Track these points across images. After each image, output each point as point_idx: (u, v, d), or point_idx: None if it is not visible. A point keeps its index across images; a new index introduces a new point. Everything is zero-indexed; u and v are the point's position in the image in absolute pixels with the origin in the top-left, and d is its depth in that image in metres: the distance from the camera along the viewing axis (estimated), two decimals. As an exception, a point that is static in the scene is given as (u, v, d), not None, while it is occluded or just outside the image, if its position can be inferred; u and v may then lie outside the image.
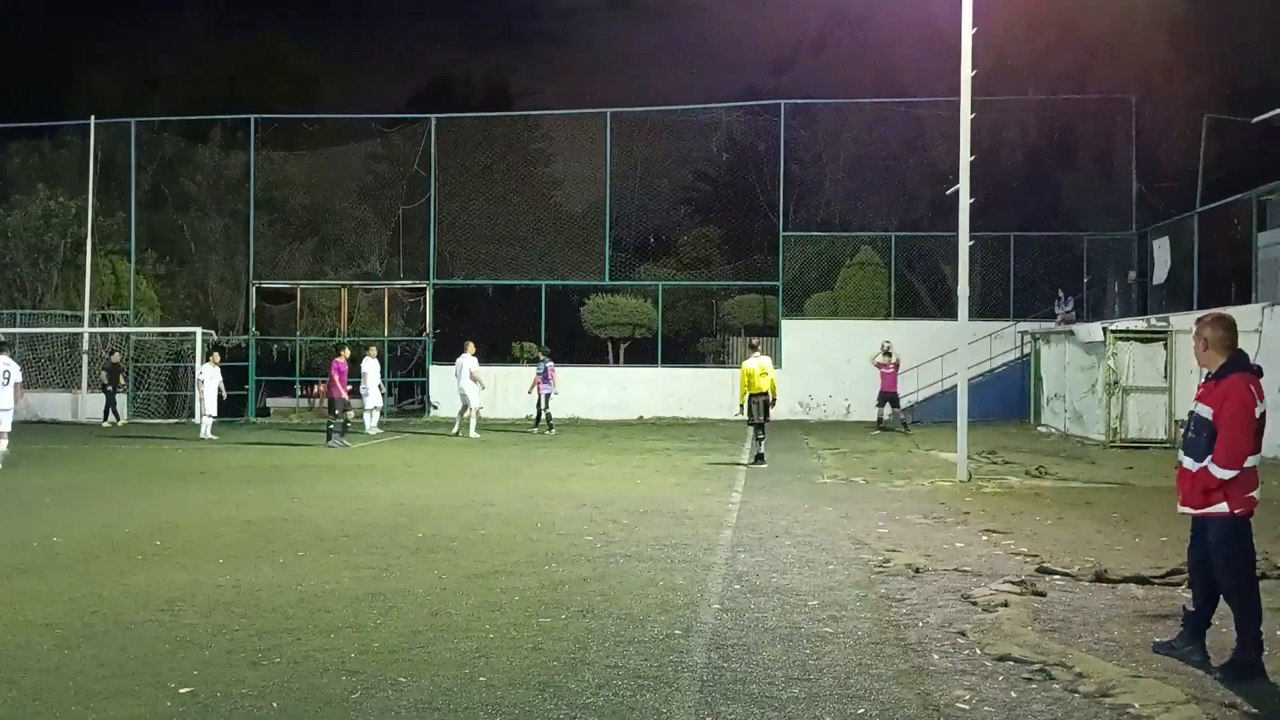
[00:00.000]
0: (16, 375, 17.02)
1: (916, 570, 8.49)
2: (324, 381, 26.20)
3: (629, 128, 32.22)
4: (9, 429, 16.94)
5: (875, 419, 25.33)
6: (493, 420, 26.61)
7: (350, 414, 21.88)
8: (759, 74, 48.97)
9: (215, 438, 22.79)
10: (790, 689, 5.46)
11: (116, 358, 29.18)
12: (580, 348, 36.67)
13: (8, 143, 35.87)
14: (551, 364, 25.33)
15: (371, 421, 24.43)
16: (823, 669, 5.83)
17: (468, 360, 23.45)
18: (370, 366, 24.19)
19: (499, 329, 34.78)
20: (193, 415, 28.94)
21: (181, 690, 5.37)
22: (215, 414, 23.73)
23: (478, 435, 23.06)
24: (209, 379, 23.58)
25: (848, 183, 34.49)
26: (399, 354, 33.75)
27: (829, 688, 5.50)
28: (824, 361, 28.94)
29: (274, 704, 5.19)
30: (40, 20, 64.29)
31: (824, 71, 39.72)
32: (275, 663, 5.89)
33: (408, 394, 33.86)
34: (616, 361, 37.29)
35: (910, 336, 28.96)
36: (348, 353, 22.25)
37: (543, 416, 24.72)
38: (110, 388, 28.54)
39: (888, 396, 25.11)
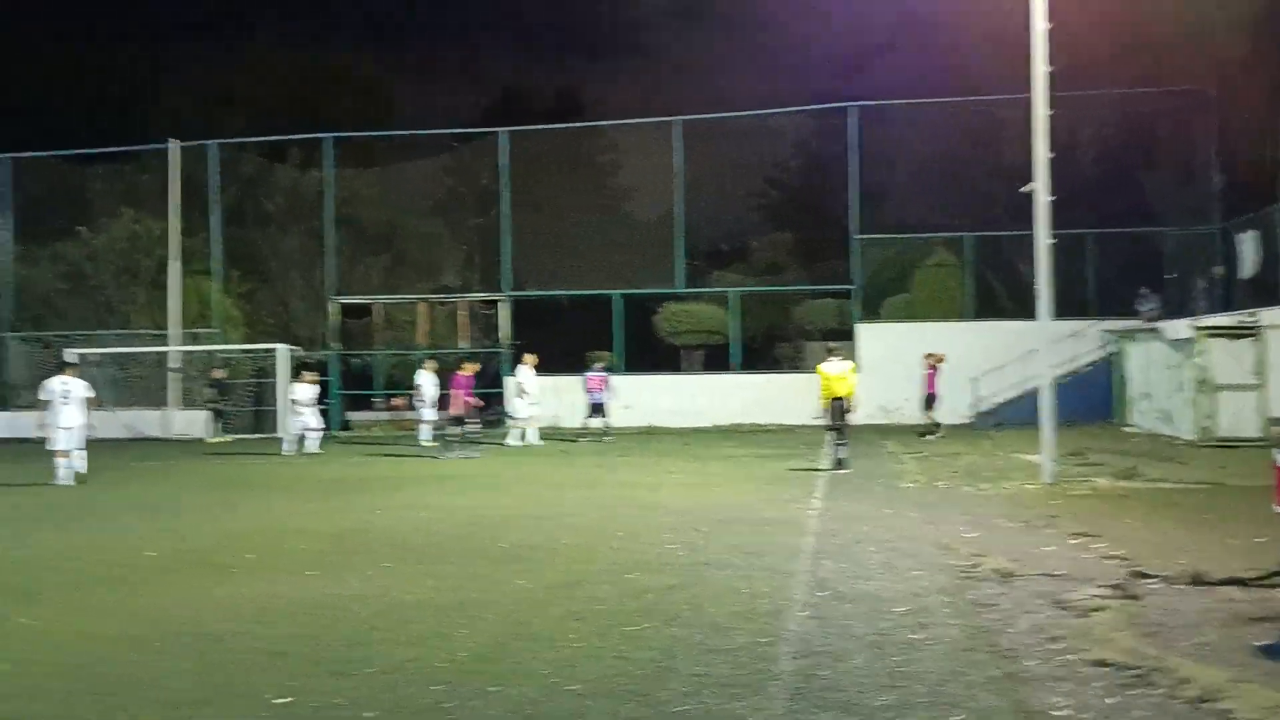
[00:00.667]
0: (80, 393, 17.24)
1: (1005, 575, 8.34)
2: (403, 395, 26.59)
3: (699, 135, 32.18)
4: (78, 446, 17.17)
5: (929, 423, 24.75)
6: (567, 430, 26.70)
7: (470, 427, 22.27)
8: (828, 78, 48.69)
9: (321, 451, 23.18)
10: (881, 697, 5.39)
11: (219, 373, 29.82)
12: (655, 356, 36.67)
13: (92, 166, 36.94)
14: (600, 371, 25.35)
15: (425, 434, 24.55)
16: (913, 676, 5.74)
17: (524, 372, 23.85)
18: (425, 379, 24.38)
19: (574, 339, 34.87)
20: (277, 430, 29.54)
21: (276, 701, 5.45)
22: (320, 426, 24.01)
23: (523, 444, 23.48)
24: (301, 395, 23.77)
25: (921, 184, 34.06)
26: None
27: (921, 695, 5.41)
28: (902, 365, 28.51)
29: (366, 714, 5.25)
30: (118, 44, 66.25)
31: (894, 73, 39.42)
32: (366, 673, 5.96)
33: (485, 405, 34.10)
34: (692, 369, 37.25)
35: (989, 338, 28.58)
36: (476, 367, 22.61)
37: (593, 423, 24.94)
38: (214, 404, 29.27)
39: (930, 398, 24.77)
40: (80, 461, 17.25)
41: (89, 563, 9.67)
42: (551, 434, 26.93)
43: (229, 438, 28.62)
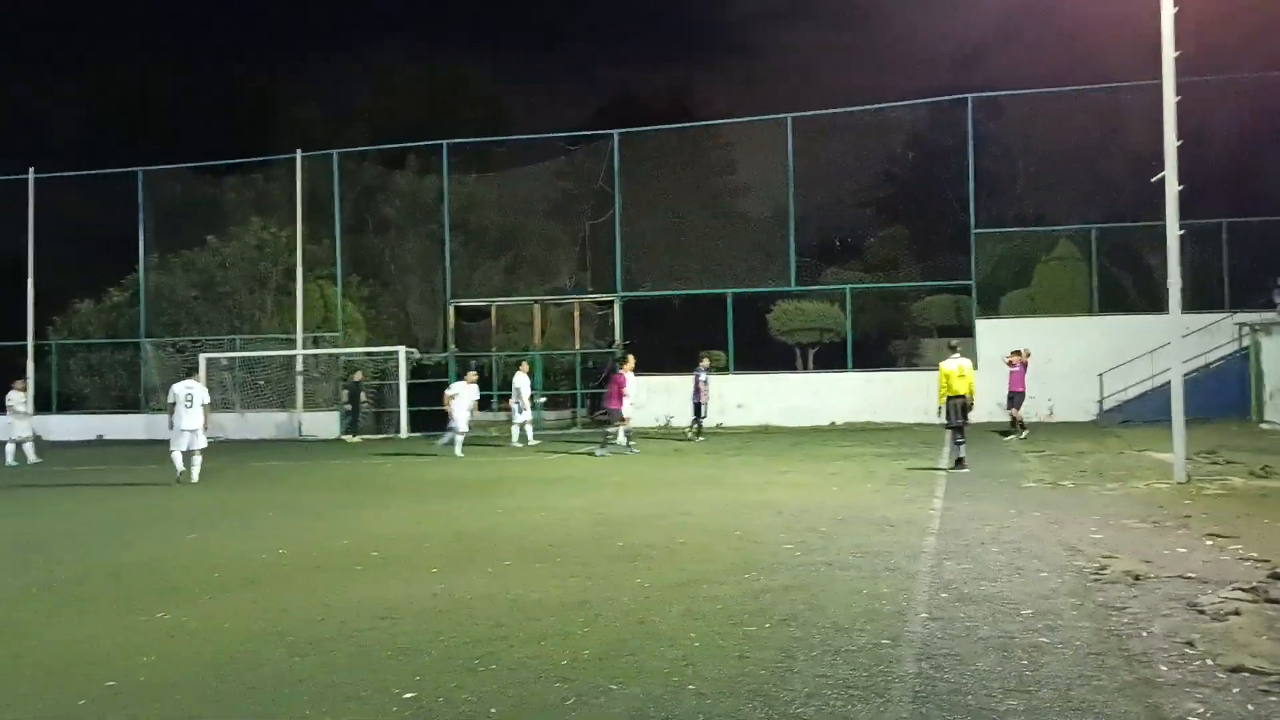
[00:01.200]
0: (202, 398, 18.26)
1: (1136, 577, 8.09)
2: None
3: (811, 131, 31.93)
4: (203, 446, 18.20)
5: (1014, 422, 23.66)
6: (677, 429, 26.74)
7: (621, 425, 22.48)
8: (943, 71, 47.82)
9: (461, 455, 23.02)
10: (1008, 701, 5.29)
11: (359, 376, 30.66)
12: (768, 354, 36.51)
13: (224, 178, 38.37)
14: (703, 373, 25.52)
15: (517, 436, 24.86)
16: (1041, 681, 5.61)
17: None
18: (521, 381, 24.65)
19: (686, 339, 34.93)
20: (397, 430, 30.27)
21: (405, 696, 5.60)
22: (466, 430, 23.86)
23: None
24: (464, 395, 23.80)
25: (1042, 176, 33.22)
26: (590, 366, 34.32)
27: (1050, 700, 5.30)
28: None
29: (491, 709, 5.35)
30: (247, 61, 68.58)
31: (1012, 64, 38.59)
32: (491, 669, 6.07)
33: (598, 405, 34.38)
34: (805, 367, 36.97)
35: (1114, 333, 27.81)
36: (630, 362, 22.94)
37: (697, 423, 25.26)
38: (350, 405, 30.14)
39: (1015, 396, 23.80)
40: (195, 465, 18.09)
41: (225, 562, 10.03)
42: (666, 434, 27.07)
43: (357, 438, 29.41)
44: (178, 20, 74.22)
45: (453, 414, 23.40)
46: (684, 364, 27.67)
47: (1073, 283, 30.32)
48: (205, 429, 18.38)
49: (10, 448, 24.09)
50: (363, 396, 30.41)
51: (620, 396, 22.05)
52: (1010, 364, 23.96)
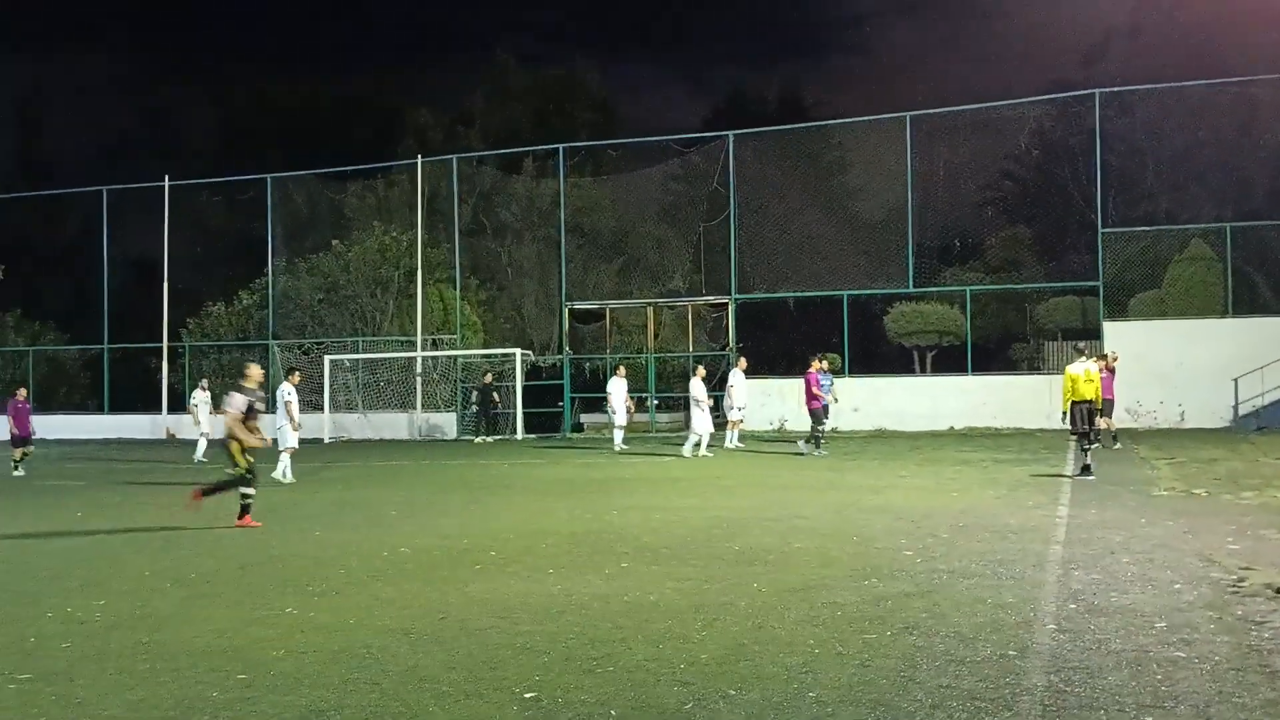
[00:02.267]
0: (284, 397, 18.44)
1: (1277, 590, 7.74)
2: (635, 397, 27.10)
3: (930, 130, 31.37)
4: (293, 445, 18.55)
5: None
6: (793, 432, 26.53)
7: (823, 426, 22.24)
8: (1067, 67, 46.50)
9: (626, 447, 24.47)
10: (1143, 717, 5.10)
11: (489, 379, 31.13)
12: (885, 357, 36.02)
13: (348, 184, 39.43)
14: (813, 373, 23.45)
15: (618, 439, 24.88)
16: (1178, 696, 5.40)
17: (735, 376, 23.91)
18: (616, 386, 24.72)
19: (801, 341, 34.67)
20: (513, 432, 30.70)
21: (526, 695, 5.65)
22: (624, 424, 25.01)
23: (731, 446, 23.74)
24: (617, 391, 24.67)
25: (1172, 173, 32.14)
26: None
27: (1186, 717, 5.09)
28: (1153, 365, 26.95)
29: (611, 711, 5.37)
30: (370, 70, 70.30)
31: (1139, 58, 37.32)
32: (609, 671, 6.10)
33: (714, 407, 34.29)
34: (923, 370, 36.36)
35: (1250, 335, 26.71)
36: (822, 364, 22.62)
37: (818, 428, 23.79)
38: (479, 407, 30.60)
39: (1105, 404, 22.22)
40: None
41: (350, 558, 10.28)
42: (780, 436, 26.90)
43: (491, 439, 29.89)
44: (296, 32, 76.49)
45: (612, 408, 24.48)
46: (797, 367, 27.41)
47: (1205, 283, 29.21)
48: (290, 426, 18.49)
49: (202, 443, 24.39)
50: (495, 397, 30.82)
51: (814, 396, 21.83)
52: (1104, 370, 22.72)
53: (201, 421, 24.61)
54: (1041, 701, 5.35)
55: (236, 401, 12.87)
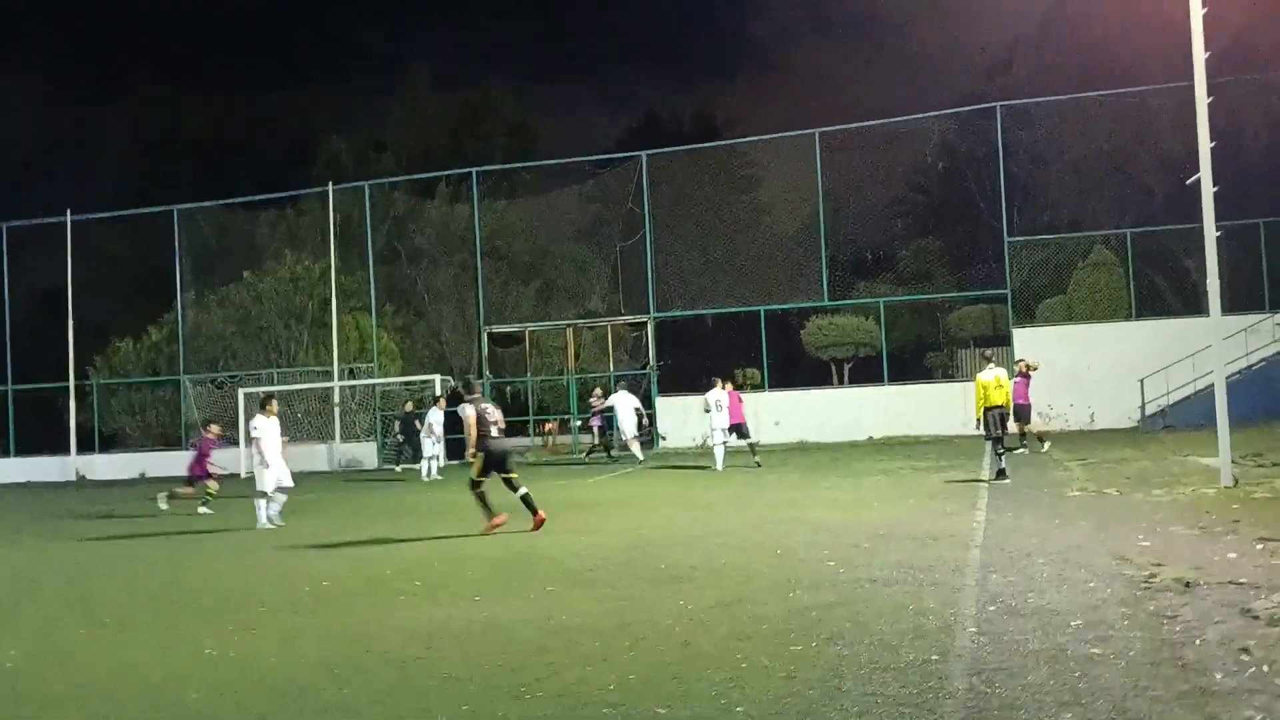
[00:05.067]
0: (254, 433, 16.28)
1: (1187, 584, 7.96)
2: (553, 420, 27.13)
3: (839, 145, 31.87)
4: (270, 486, 16.30)
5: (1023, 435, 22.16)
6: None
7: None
8: (971, 80, 47.60)
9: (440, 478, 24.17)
10: (1062, 714, 5.19)
11: (409, 407, 30.54)
12: (803, 370, 36.42)
13: (257, 213, 38.80)
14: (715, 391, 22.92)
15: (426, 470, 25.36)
16: (1095, 692, 5.51)
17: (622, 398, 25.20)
18: (434, 416, 25.55)
19: (721, 357, 34.92)
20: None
21: (453, 724, 5.58)
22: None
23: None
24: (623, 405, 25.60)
25: (1074, 182, 33.07)
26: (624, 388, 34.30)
27: (1104, 712, 5.20)
28: (1061, 369, 27.63)
29: (540, 736, 5.32)
30: (279, 94, 69.44)
31: (1042, 71, 38.33)
32: (537, 696, 6.04)
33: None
34: (841, 382, 36.82)
35: (1154, 337, 27.52)
36: (726, 386, 22.61)
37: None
38: (403, 436, 29.66)
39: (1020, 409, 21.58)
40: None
41: (272, 590, 10.07)
42: (702, 453, 26.98)
43: (415, 467, 29.42)
44: (204, 54, 75.28)
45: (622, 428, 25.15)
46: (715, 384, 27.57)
47: (1110, 288, 30.08)
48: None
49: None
50: (417, 424, 30.38)
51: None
52: (1018, 375, 22.60)
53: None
54: (964, 704, 5.42)
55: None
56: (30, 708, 6.45)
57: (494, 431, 13.73)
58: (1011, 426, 20.18)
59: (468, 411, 13.62)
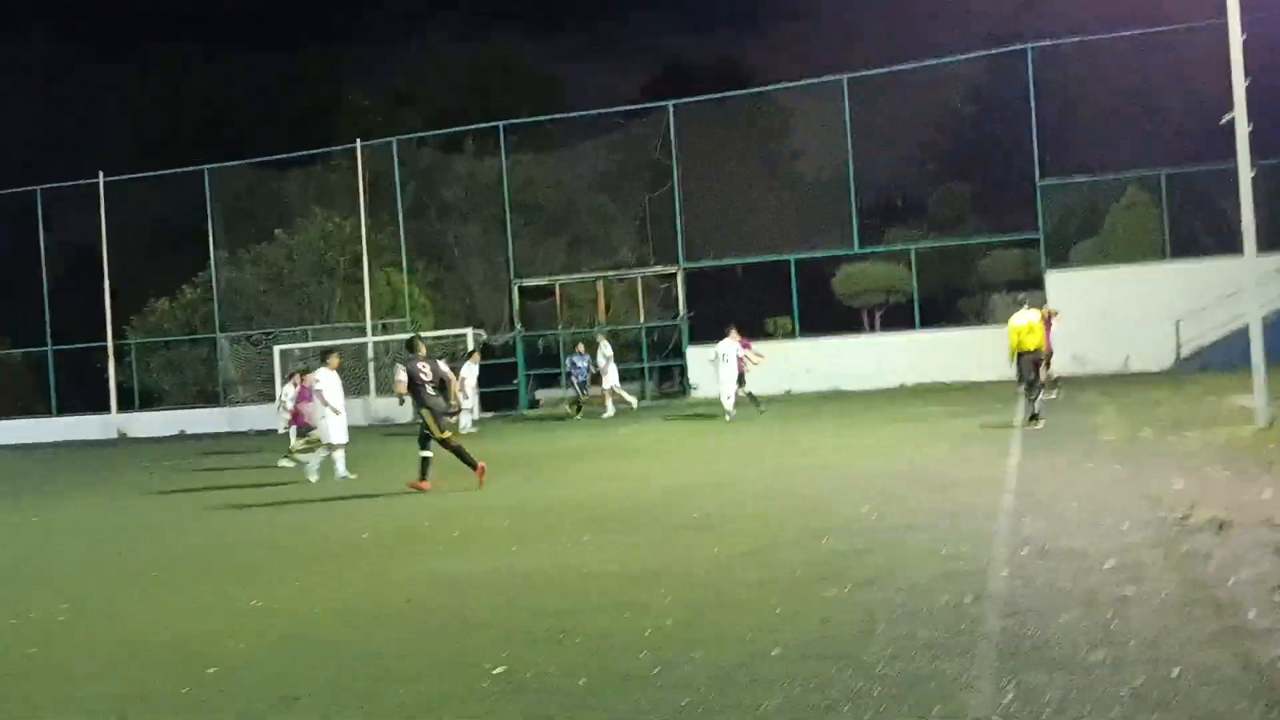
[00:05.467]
0: (315, 385, 16.24)
1: (1221, 525, 7.96)
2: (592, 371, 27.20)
3: (867, 91, 31.48)
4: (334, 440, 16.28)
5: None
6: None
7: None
8: (1000, 20, 46.72)
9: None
10: (1095, 653, 5.25)
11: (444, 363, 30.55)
12: (834, 318, 36.27)
13: (287, 171, 38.91)
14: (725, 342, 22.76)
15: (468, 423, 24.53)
16: (1128, 633, 5.57)
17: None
18: (468, 371, 24.95)
19: (752, 306, 34.85)
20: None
21: (494, 671, 5.71)
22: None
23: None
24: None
25: (1107, 122, 32.49)
26: (655, 339, 34.36)
27: (1136, 651, 5.25)
28: (1096, 312, 27.39)
29: (580, 681, 5.44)
30: (303, 52, 69.35)
31: (1071, 6, 37.57)
32: (575, 641, 6.16)
33: (667, 377, 34.44)
34: (872, 329, 36.69)
35: (1190, 278, 27.22)
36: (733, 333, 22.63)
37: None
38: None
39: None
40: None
41: (310, 542, 10.27)
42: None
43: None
44: (225, 17, 75.09)
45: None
46: (748, 331, 27.53)
47: (1144, 229, 29.70)
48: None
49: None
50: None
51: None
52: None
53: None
54: (997, 645, 5.49)
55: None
56: (80, 658, 6.65)
57: (430, 390, 13.89)
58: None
59: (399, 374, 13.85)
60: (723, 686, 5.20)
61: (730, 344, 22.45)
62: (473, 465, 13.68)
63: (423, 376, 13.85)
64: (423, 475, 13.87)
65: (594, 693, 5.28)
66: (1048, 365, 21.78)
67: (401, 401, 14.51)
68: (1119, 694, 4.70)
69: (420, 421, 14.05)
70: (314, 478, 16.37)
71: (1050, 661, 5.18)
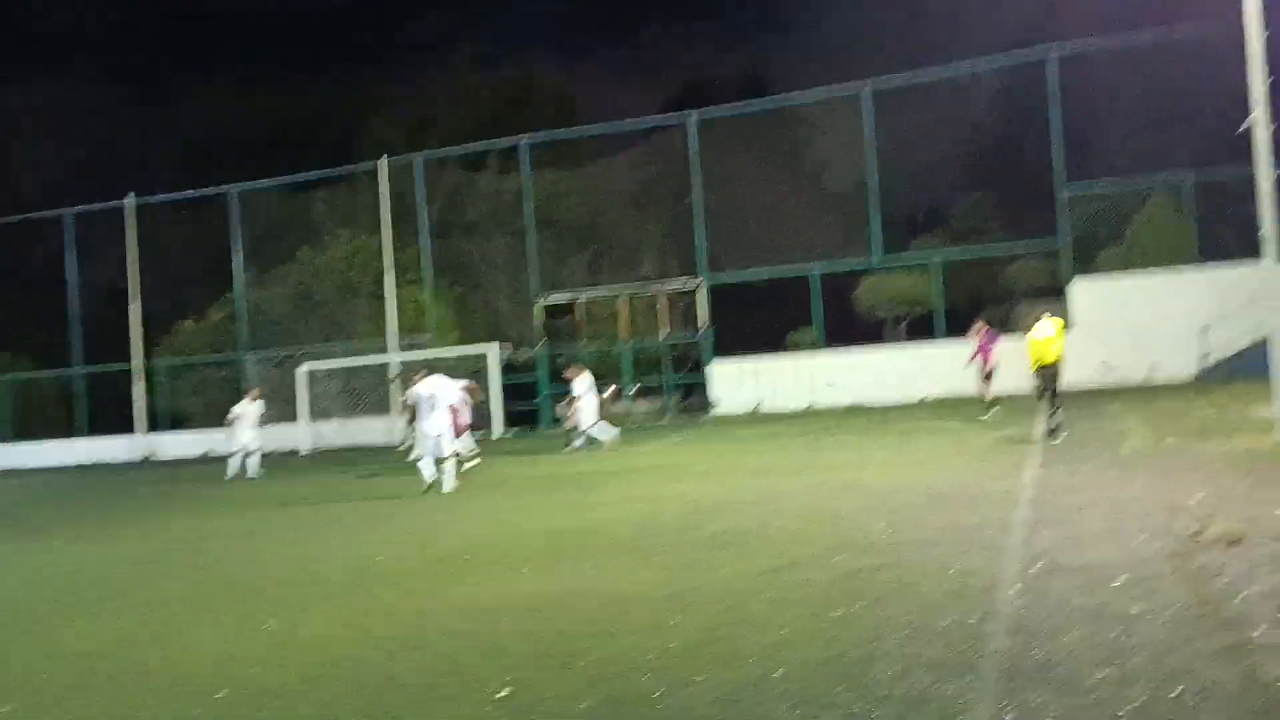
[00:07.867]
0: (448, 398, 16.63)
1: (1235, 539, 7.90)
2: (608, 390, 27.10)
3: (889, 99, 31.44)
4: (451, 452, 16.61)
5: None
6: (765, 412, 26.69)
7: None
8: (1021, 26, 46.52)
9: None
10: (1099, 671, 5.24)
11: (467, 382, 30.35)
12: (857, 330, 36.19)
13: (312, 191, 39.30)
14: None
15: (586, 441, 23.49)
16: (1134, 649, 5.55)
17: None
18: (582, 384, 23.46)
19: (774, 319, 34.84)
20: (488, 428, 30.66)
21: (498, 695, 5.74)
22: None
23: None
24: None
25: (1131, 127, 32.28)
26: (678, 354, 34.33)
27: (1141, 667, 5.23)
28: (1122, 320, 27.20)
29: (581, 705, 5.47)
30: (327, 76, 70.05)
31: (1093, 9, 37.37)
32: (582, 665, 6.19)
33: (690, 392, 34.42)
34: (896, 341, 36.56)
35: (1216, 284, 26.96)
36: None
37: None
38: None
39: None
40: (446, 473, 16.50)
41: (326, 570, 10.34)
42: (754, 418, 27.03)
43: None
44: (254, 43, 76.01)
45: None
46: (771, 345, 27.58)
47: (1170, 236, 29.47)
48: (457, 433, 17.29)
49: (234, 461, 23.42)
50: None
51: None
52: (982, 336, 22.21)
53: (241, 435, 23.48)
54: (1000, 665, 5.48)
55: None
56: (106, 689, 6.76)
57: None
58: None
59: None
60: (725, 709, 5.21)
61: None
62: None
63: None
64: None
65: (595, 716, 5.30)
66: (988, 380, 21.58)
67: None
68: (1119, 713, 4.69)
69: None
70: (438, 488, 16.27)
71: (1053, 681, 5.16)
